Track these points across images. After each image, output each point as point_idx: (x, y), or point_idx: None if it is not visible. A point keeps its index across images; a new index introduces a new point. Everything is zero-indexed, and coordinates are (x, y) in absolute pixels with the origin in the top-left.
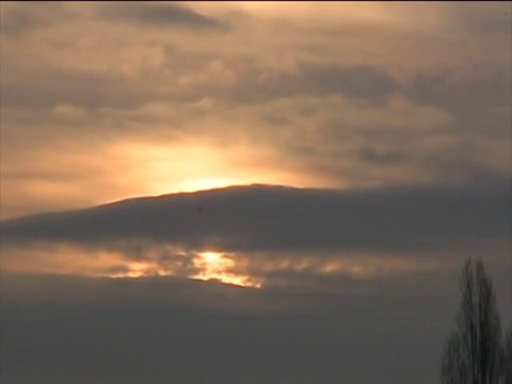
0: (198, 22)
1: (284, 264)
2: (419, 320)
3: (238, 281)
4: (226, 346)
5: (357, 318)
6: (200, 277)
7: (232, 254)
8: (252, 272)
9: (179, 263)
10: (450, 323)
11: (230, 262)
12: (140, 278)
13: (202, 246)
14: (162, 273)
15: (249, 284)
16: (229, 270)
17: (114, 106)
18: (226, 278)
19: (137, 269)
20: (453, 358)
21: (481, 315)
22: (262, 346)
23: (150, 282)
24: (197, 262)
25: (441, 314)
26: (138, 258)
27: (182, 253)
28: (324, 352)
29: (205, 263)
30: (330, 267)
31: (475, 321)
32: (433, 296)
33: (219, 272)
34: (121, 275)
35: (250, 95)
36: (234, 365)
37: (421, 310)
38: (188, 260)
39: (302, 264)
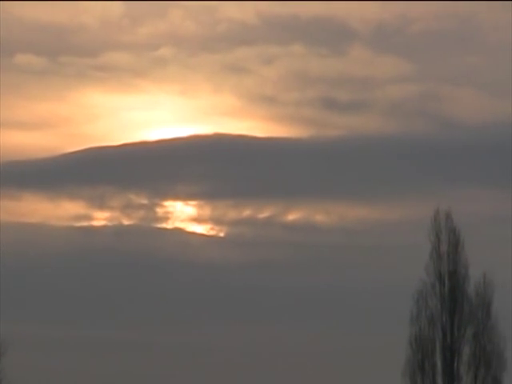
0: None
1: (247, 213)
2: (385, 269)
3: (201, 229)
4: (190, 294)
5: (321, 267)
6: (164, 225)
7: (195, 203)
8: (215, 221)
9: (142, 212)
10: (416, 272)
11: (193, 211)
12: (104, 226)
13: (164, 195)
14: (125, 221)
15: (212, 233)
16: (192, 219)
17: (75, 55)
18: (190, 227)
19: (100, 217)
20: (421, 308)
21: (449, 264)
22: (226, 294)
23: (114, 231)
24: (160, 211)
25: (406, 263)
26: (101, 206)
27: (145, 201)
28: (288, 300)
29: (168, 212)
30: (293, 216)
31: (444, 270)
32: (398, 245)
33: (183, 220)
34: (85, 223)
35: (210, 44)
36: (198, 313)
37: (386, 258)
38: (151, 208)
39: (265, 212)
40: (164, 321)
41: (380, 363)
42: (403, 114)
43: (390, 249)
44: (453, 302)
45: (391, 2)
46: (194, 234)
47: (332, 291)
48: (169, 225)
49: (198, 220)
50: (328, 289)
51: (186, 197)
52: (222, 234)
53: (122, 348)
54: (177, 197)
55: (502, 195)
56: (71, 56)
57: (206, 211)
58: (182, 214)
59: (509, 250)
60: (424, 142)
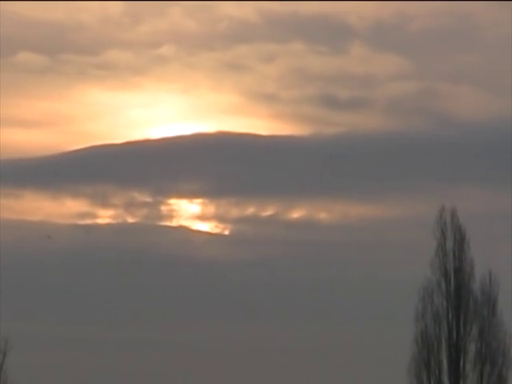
0: None
1: (250, 210)
2: (387, 266)
3: (205, 227)
4: (195, 292)
5: (324, 264)
6: (168, 223)
7: (198, 201)
8: (219, 218)
9: (146, 210)
10: (419, 269)
11: (197, 209)
12: (108, 224)
13: (167, 193)
14: (129, 219)
15: (217, 230)
16: (196, 217)
17: (75, 54)
18: (194, 225)
19: (104, 215)
20: (427, 305)
21: (455, 262)
22: (230, 292)
23: (117, 229)
24: (163, 209)
25: (409, 260)
26: (105, 204)
27: (149, 199)
28: (290, 298)
29: (171, 210)
30: (295, 213)
31: (449, 267)
32: (400, 242)
33: (186, 218)
34: (88, 221)
35: (210, 42)
36: (202, 310)
37: (388, 255)
38: (154, 206)
39: (268, 210)
40: (169, 318)
41: (385, 361)
42: (402, 111)
43: (392, 246)
44: (458, 299)
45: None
46: (198, 231)
47: (335, 289)
48: (173, 223)
49: (202, 218)
50: (331, 286)
51: (189, 195)
52: (226, 232)
53: (126, 346)
54: (181, 195)
55: (505, 193)
56: (71, 54)
57: (211, 209)
58: (186, 212)
59: None
60: (423, 139)
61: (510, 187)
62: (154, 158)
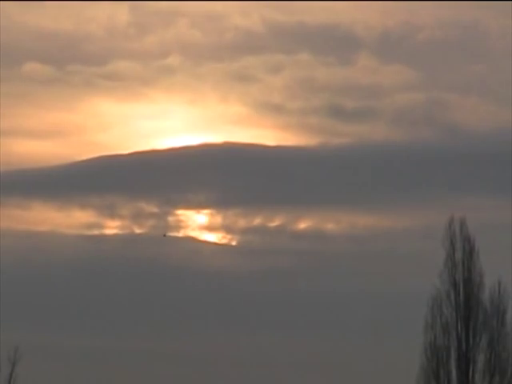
0: None
1: (257, 221)
2: (395, 276)
3: (213, 238)
4: (203, 302)
5: (332, 274)
6: (175, 234)
7: (206, 212)
8: (226, 229)
9: (153, 220)
10: (427, 279)
11: (204, 219)
12: (115, 234)
13: (175, 204)
14: (137, 230)
15: (224, 241)
16: (203, 227)
17: (82, 64)
18: (202, 235)
19: (111, 226)
20: (436, 315)
21: (464, 272)
22: (238, 302)
23: (125, 239)
24: (171, 219)
25: (417, 271)
26: (112, 215)
27: (156, 210)
28: (298, 308)
29: (179, 220)
30: (303, 224)
31: (458, 278)
32: (408, 252)
33: (193, 229)
34: (96, 232)
35: (217, 53)
36: (210, 320)
37: (396, 266)
38: (162, 217)
39: (276, 221)
40: (177, 329)
41: (394, 371)
42: (410, 121)
43: (400, 256)
44: (467, 309)
45: (395, 9)
46: (206, 242)
47: (343, 299)
48: (180, 233)
49: (209, 228)
50: (339, 296)
51: (197, 205)
52: (233, 243)
53: (133, 356)
54: (188, 205)
55: None
56: (79, 65)
57: (218, 219)
58: (194, 223)
59: None
60: (431, 150)
61: None
62: (161, 168)
